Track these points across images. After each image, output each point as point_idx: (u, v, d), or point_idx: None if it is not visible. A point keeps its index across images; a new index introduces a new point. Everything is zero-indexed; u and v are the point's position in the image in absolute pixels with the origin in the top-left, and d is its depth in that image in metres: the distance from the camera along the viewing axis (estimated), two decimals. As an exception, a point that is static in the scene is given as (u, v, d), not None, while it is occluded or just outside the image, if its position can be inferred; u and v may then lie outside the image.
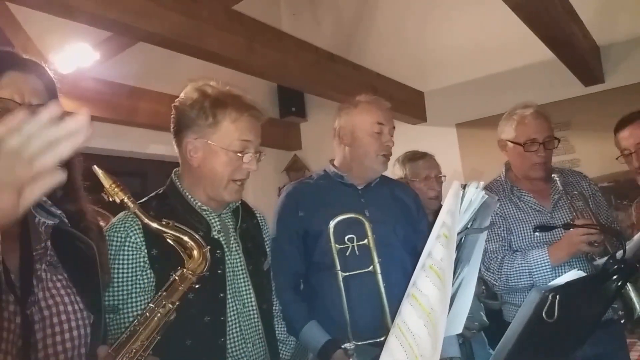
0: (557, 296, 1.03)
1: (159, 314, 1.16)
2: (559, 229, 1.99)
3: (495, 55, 4.32)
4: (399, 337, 0.80)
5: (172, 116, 1.58)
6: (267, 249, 1.76)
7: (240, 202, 1.66)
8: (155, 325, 1.15)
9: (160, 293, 1.21)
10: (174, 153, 1.63)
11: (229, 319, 1.49)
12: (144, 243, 1.43)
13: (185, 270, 1.23)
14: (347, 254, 1.72)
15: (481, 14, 4.33)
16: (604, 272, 1.25)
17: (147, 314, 1.16)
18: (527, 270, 2.03)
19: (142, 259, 1.43)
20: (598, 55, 3.93)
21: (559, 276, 2.00)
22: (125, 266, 1.42)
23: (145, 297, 1.42)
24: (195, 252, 1.24)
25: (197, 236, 1.25)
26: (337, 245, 1.70)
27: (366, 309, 1.79)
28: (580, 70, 3.76)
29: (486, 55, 4.37)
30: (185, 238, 1.24)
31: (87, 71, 3.59)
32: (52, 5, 2.22)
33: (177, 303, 1.20)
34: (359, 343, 1.65)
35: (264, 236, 1.76)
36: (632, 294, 1.83)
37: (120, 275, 1.42)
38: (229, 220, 1.61)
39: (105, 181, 1.18)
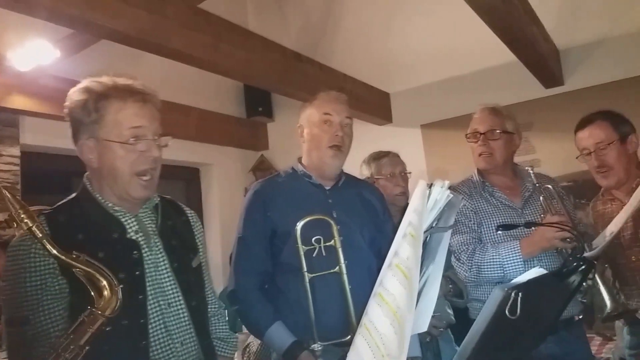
0: (520, 293, 1.05)
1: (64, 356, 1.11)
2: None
3: (459, 57, 4.40)
4: (366, 337, 0.80)
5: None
6: (199, 246, 1.69)
7: (159, 199, 1.59)
8: None
9: (66, 336, 1.15)
10: None
11: (152, 321, 1.43)
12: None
13: (94, 310, 1.18)
14: (314, 255, 1.72)
15: (445, 17, 4.40)
16: (565, 269, 1.29)
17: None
18: (498, 262, 2.06)
19: (50, 266, 1.34)
20: (558, 58, 4.03)
21: (530, 269, 2.07)
22: (33, 275, 1.34)
23: (57, 303, 1.35)
24: (106, 291, 1.18)
25: (108, 273, 1.20)
26: (304, 246, 1.70)
27: (332, 309, 1.78)
28: (541, 73, 3.85)
29: (450, 57, 4.44)
30: (97, 275, 1.18)
31: (47, 69, 3.48)
32: (9, -1, 2.15)
33: (87, 347, 1.15)
34: (325, 343, 1.65)
35: (195, 232, 1.68)
36: (603, 291, 1.88)
37: (28, 284, 1.33)
38: (148, 219, 1.54)
39: (13, 206, 1.12)
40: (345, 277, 1.72)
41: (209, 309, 1.72)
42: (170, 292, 1.49)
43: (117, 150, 1.43)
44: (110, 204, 1.47)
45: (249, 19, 5.48)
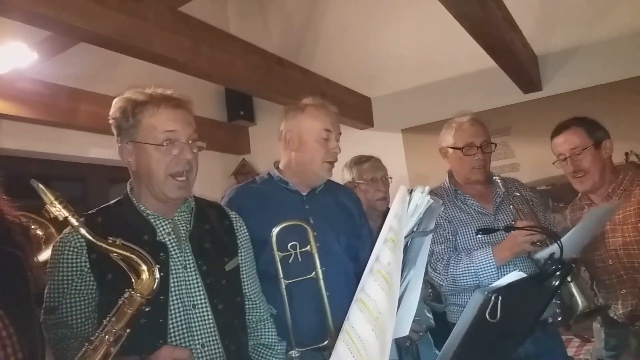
0: (500, 297, 1.06)
1: (107, 342, 1.15)
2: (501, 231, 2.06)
3: (440, 63, 4.44)
4: (348, 342, 0.80)
5: None
6: (240, 250, 1.71)
7: (194, 203, 1.65)
8: (105, 352, 1.14)
9: (108, 319, 1.19)
10: (115, 157, 1.63)
11: (173, 320, 1.48)
12: (85, 247, 1.45)
13: (133, 292, 1.22)
14: (290, 261, 1.72)
15: (425, 24, 4.44)
16: (543, 272, 1.30)
17: (97, 343, 1.15)
18: (472, 271, 2.09)
19: (82, 263, 1.45)
20: (536, 64, 4.09)
21: (503, 275, 2.09)
22: (61, 270, 1.45)
23: (80, 299, 1.45)
24: (144, 273, 1.22)
25: (146, 255, 1.24)
26: (279, 252, 1.70)
27: (309, 315, 1.78)
28: (520, 78, 3.90)
29: (430, 63, 4.48)
30: (134, 257, 1.22)
31: (25, 71, 3.43)
32: (-17, 0, 2.11)
33: (128, 329, 1.19)
34: (303, 349, 1.65)
35: (238, 236, 1.72)
36: (575, 291, 1.91)
37: (56, 278, 1.45)
38: (184, 221, 1.61)
39: (47, 197, 1.15)
40: (322, 282, 1.72)
41: (255, 314, 1.74)
42: (196, 293, 1.53)
43: (152, 153, 1.52)
44: (143, 208, 1.56)
45: (230, 22, 5.45)
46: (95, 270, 1.45)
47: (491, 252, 2.08)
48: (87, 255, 1.45)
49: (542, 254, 1.89)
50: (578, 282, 1.94)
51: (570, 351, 3.22)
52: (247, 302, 1.71)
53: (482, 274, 2.08)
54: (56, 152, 3.92)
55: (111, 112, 1.59)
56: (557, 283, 1.35)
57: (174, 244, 1.54)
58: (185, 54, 2.88)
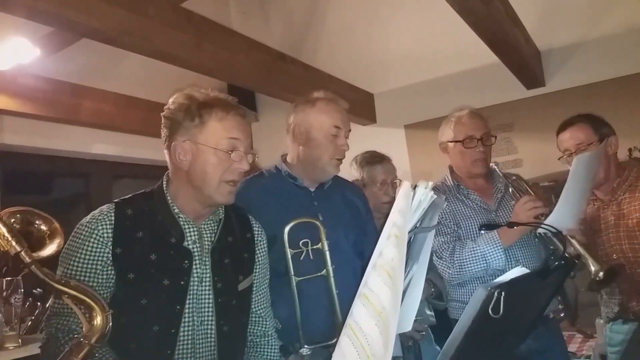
0: (503, 293, 1.06)
1: None
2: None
3: (442, 59, 4.43)
4: (351, 337, 0.80)
5: (162, 124, 1.56)
6: (257, 266, 1.66)
7: (224, 214, 1.60)
8: None
9: None
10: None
11: (182, 332, 1.44)
12: (111, 239, 1.40)
13: (82, 339, 1.12)
14: (301, 258, 1.71)
15: (428, 19, 4.43)
16: (547, 268, 1.30)
17: None
18: (479, 254, 2.07)
19: (105, 255, 1.40)
20: (539, 60, 4.08)
21: (511, 259, 2.08)
22: (87, 259, 1.39)
23: (102, 292, 1.39)
24: (97, 318, 1.11)
25: (100, 299, 1.14)
26: (291, 249, 1.69)
27: (318, 312, 1.77)
28: (523, 74, 3.89)
29: (433, 58, 4.47)
30: (88, 300, 1.11)
31: (28, 67, 3.43)
32: (-14, -4, 2.11)
33: None
34: (312, 347, 1.65)
35: (257, 250, 1.67)
36: (587, 257, 1.88)
37: (78, 263, 1.38)
38: (210, 232, 1.55)
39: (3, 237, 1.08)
40: (332, 280, 1.72)
41: (260, 328, 1.69)
42: (206, 310, 1.49)
43: (211, 157, 1.48)
44: (176, 209, 1.50)
45: (232, 18, 5.45)
46: (117, 265, 1.40)
47: (496, 233, 2.06)
48: (111, 248, 1.40)
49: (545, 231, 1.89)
50: (586, 248, 1.91)
51: (573, 347, 3.23)
52: (252, 316, 1.67)
53: (490, 256, 2.05)
54: (59, 148, 3.93)
55: (169, 107, 1.54)
56: (560, 278, 1.35)
57: (196, 254, 1.49)
58: (187, 50, 2.88)
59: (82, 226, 1.42)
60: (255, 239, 1.67)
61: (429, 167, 4.25)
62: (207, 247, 1.52)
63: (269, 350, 1.70)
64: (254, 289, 1.65)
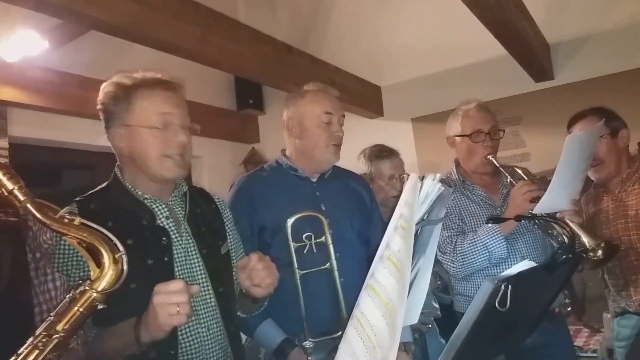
0: (510, 286, 1.05)
1: (39, 348, 0.91)
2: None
3: (450, 51, 4.40)
4: (357, 328, 0.80)
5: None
6: (228, 232, 1.69)
7: (187, 187, 1.62)
8: None
9: (49, 317, 0.97)
10: None
11: None
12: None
13: (88, 287, 0.99)
14: (305, 251, 1.71)
15: (436, 11, 4.40)
16: (554, 262, 1.29)
17: (24, 350, 0.91)
18: (480, 244, 2.06)
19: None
20: (548, 53, 4.05)
21: (516, 254, 2.07)
22: (64, 258, 1.38)
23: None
24: (106, 261, 0.99)
25: (111, 237, 1.03)
26: (294, 243, 1.69)
27: (322, 304, 1.78)
28: (531, 67, 3.87)
29: (441, 51, 4.44)
30: (96, 242, 0.99)
31: (35, 60, 3.44)
32: (-5, -12, 2.12)
33: (75, 335, 0.99)
34: (316, 340, 1.65)
35: (225, 220, 1.70)
36: (579, 232, 1.86)
37: (61, 266, 1.37)
38: (178, 206, 1.58)
39: None
40: (336, 273, 1.72)
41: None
42: (199, 278, 1.51)
43: (147, 136, 1.48)
44: (139, 192, 1.51)
45: (239, 10, 5.43)
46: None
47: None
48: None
49: (542, 206, 1.88)
50: (579, 224, 1.89)
51: (580, 341, 3.22)
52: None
53: (492, 245, 2.04)
54: (66, 140, 3.95)
55: (100, 98, 1.55)
56: (568, 272, 1.34)
57: (173, 229, 1.51)
58: (194, 42, 2.88)
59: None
60: (220, 208, 1.70)
61: (436, 161, 4.24)
62: (181, 219, 1.54)
63: None
64: (232, 256, 1.69)
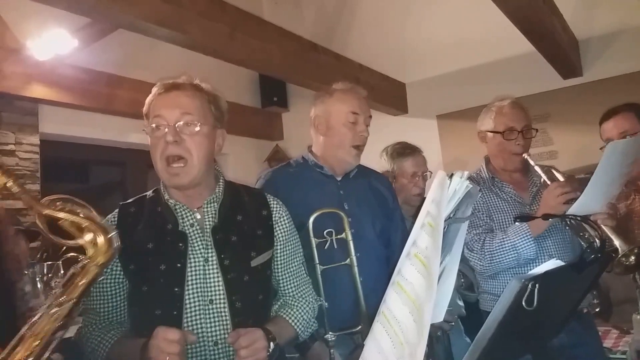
0: (537, 285, 1.05)
1: (53, 314, 1.01)
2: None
3: (476, 47, 4.35)
4: (384, 323, 0.81)
5: None
6: (276, 242, 1.60)
7: (222, 191, 1.58)
8: (49, 327, 1.01)
9: (55, 292, 1.07)
10: None
11: (187, 314, 1.43)
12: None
13: (88, 262, 1.09)
14: (326, 247, 1.73)
15: (462, 7, 4.36)
16: (582, 261, 1.28)
17: (37, 319, 1.01)
18: (509, 244, 2.03)
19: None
20: (577, 49, 3.98)
21: (544, 252, 2.04)
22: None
23: (111, 288, 1.50)
24: (99, 239, 1.09)
25: (101, 220, 1.12)
26: (316, 239, 1.71)
27: (343, 300, 1.79)
28: (560, 64, 3.80)
29: (467, 47, 4.40)
30: (83, 222, 1.08)
31: (65, 58, 3.52)
32: (29, -11, 2.17)
33: (77, 300, 1.06)
34: (338, 333, 1.67)
35: (276, 228, 1.61)
36: (612, 235, 1.82)
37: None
38: (209, 214, 1.54)
39: None
40: (355, 268, 1.74)
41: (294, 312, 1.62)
42: (214, 289, 1.46)
43: (150, 140, 1.52)
44: (167, 198, 1.54)
45: (264, 8, 5.46)
46: (122, 259, 1.44)
47: (526, 224, 2.02)
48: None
49: (576, 209, 1.84)
50: (611, 227, 1.84)
51: (609, 342, 3.16)
52: (286, 298, 1.64)
53: (520, 245, 2.01)
54: (96, 137, 4.02)
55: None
56: (596, 272, 1.32)
57: (196, 236, 1.48)
58: (220, 40, 2.90)
59: None
60: (273, 216, 1.61)
61: (462, 158, 4.21)
62: (208, 227, 1.51)
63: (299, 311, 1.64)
64: (279, 266, 1.62)
